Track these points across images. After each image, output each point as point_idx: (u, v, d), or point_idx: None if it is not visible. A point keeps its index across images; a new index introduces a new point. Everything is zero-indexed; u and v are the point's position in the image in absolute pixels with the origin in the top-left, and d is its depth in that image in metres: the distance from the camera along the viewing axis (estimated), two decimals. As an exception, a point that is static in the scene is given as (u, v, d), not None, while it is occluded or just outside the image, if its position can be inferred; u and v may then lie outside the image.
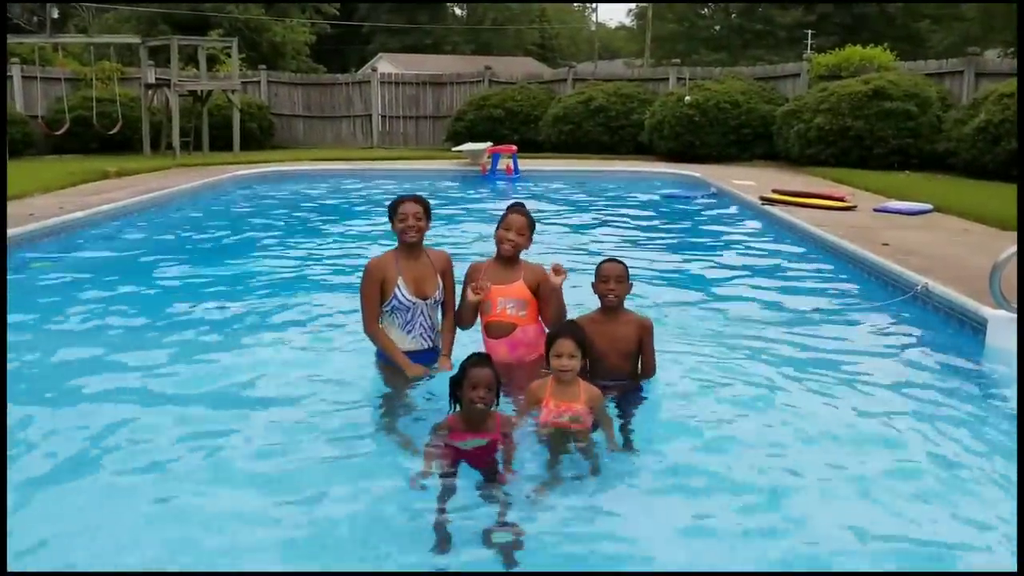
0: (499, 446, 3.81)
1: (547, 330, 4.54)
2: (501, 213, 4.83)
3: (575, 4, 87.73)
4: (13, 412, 4.29)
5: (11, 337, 5.46)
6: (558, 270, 4.60)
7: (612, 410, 4.35)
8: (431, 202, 4.96)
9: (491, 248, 4.89)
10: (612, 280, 4.51)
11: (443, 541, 3.26)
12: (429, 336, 4.86)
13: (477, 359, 3.87)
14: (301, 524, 3.42)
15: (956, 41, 33.72)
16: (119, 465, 3.93)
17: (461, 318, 4.87)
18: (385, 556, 3.23)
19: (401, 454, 3.98)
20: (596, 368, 4.52)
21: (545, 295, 4.66)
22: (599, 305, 4.61)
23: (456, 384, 3.85)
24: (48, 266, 8.47)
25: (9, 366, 4.89)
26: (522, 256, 4.83)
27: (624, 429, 4.25)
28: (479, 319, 4.84)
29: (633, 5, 66.13)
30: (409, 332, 4.79)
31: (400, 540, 3.30)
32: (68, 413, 4.51)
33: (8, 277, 7.20)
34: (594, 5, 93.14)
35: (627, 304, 4.67)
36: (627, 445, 4.11)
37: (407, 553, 3.23)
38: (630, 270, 4.63)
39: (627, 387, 4.54)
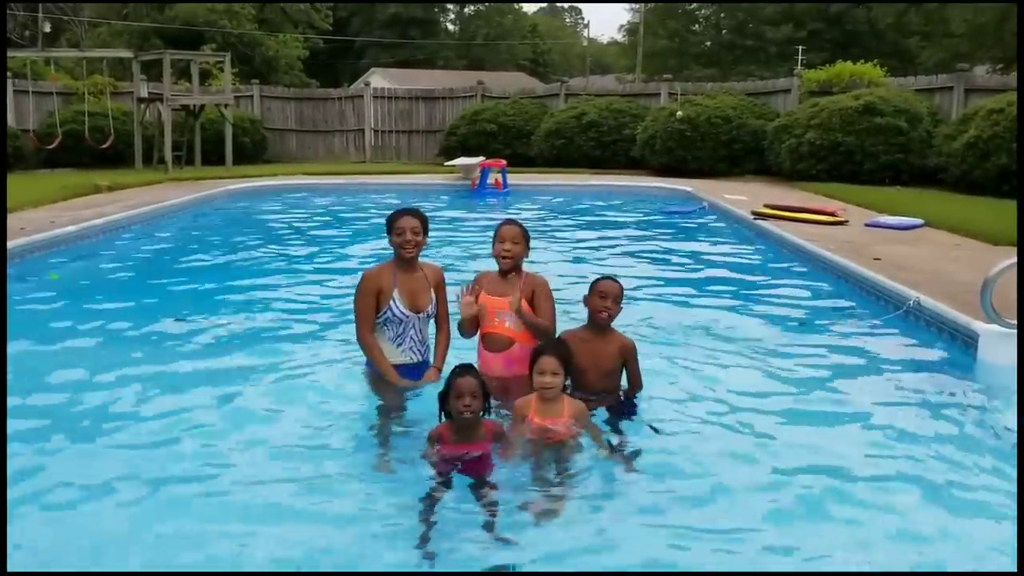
0: (490, 457, 3.83)
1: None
2: (489, 226, 4.86)
3: (567, 19, 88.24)
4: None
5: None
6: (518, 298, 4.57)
7: (600, 423, 4.36)
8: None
9: (479, 263, 4.90)
10: (610, 299, 4.50)
11: (428, 550, 3.27)
12: (419, 350, 4.84)
13: (461, 370, 3.90)
14: (288, 533, 3.43)
15: (945, 57, 33.94)
16: (111, 469, 3.96)
17: (461, 329, 4.86)
18: (373, 563, 3.24)
19: (389, 462, 4.02)
20: (577, 382, 4.52)
21: (540, 302, 4.64)
22: (587, 320, 4.61)
23: (443, 398, 3.88)
24: (55, 277, 8.48)
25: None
26: (526, 267, 4.82)
27: (616, 439, 4.27)
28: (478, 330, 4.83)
29: (625, 21, 66.45)
30: (399, 345, 4.78)
31: (389, 546, 3.32)
32: (59, 423, 4.49)
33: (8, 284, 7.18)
34: (586, 20, 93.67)
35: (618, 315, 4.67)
36: (623, 459, 4.11)
37: (394, 562, 3.25)
38: (621, 283, 4.64)
39: (610, 401, 4.54)
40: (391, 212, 4.85)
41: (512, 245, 4.69)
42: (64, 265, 9.24)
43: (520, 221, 4.87)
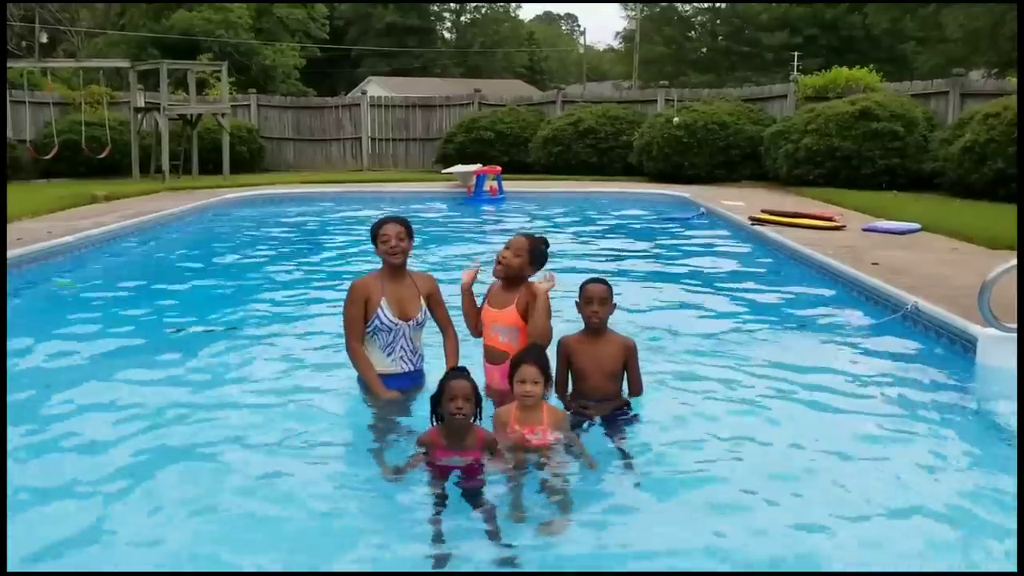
0: (482, 467, 3.82)
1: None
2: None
3: (563, 27, 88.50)
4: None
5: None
6: (548, 278, 4.61)
7: (599, 429, 4.37)
8: (413, 223, 4.96)
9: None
10: (596, 302, 4.51)
11: (427, 552, 3.26)
12: (410, 360, 4.83)
13: (454, 372, 3.91)
14: (286, 534, 3.44)
15: (940, 63, 34.03)
16: (110, 472, 3.98)
17: (466, 321, 4.88)
18: (371, 564, 3.26)
19: (383, 470, 4.02)
20: (580, 387, 4.54)
21: (529, 309, 4.60)
22: (583, 325, 4.61)
23: (436, 400, 3.88)
24: (69, 284, 8.49)
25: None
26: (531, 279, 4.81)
27: (615, 445, 4.26)
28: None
29: (621, 28, 66.68)
30: (389, 354, 4.77)
31: (387, 548, 3.34)
32: (54, 434, 4.48)
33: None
34: (582, 28, 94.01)
35: (617, 322, 4.67)
36: (624, 460, 4.12)
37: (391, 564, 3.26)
38: (618, 289, 4.63)
39: (613, 406, 4.53)
40: (373, 223, 4.85)
41: (511, 255, 4.67)
42: (61, 275, 9.21)
43: (533, 236, 4.80)
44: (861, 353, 6.07)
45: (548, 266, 4.89)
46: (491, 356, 4.75)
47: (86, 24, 39.68)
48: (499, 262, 4.71)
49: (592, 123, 20.91)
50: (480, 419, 3.96)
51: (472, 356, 4.89)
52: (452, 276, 6.48)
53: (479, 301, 4.89)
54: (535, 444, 3.98)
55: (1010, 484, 3.82)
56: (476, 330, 4.87)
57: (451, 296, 5.09)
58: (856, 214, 12.69)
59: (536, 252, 4.74)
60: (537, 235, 4.89)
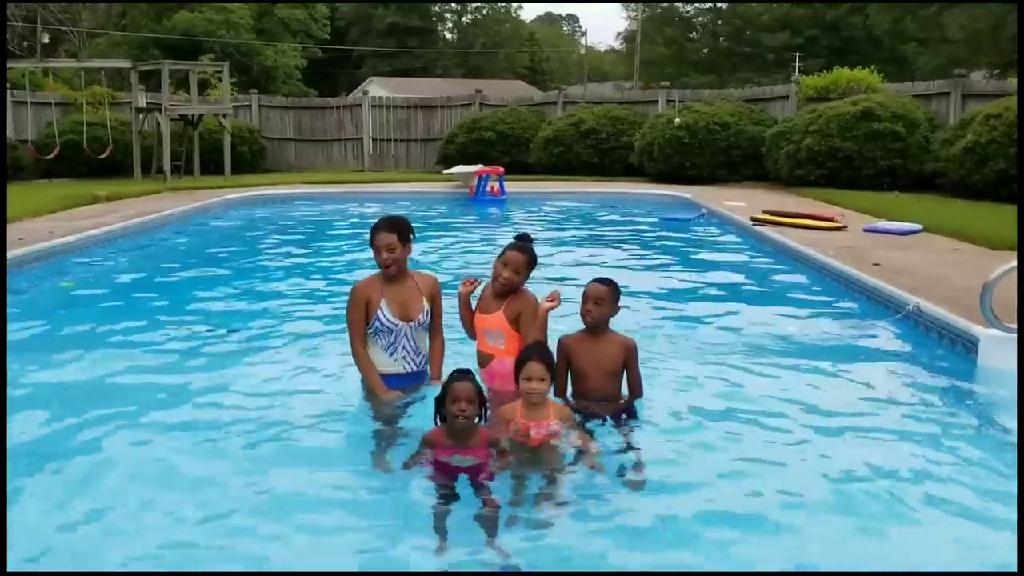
0: (489, 463, 3.83)
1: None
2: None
3: (564, 28, 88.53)
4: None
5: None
6: (552, 297, 4.60)
7: (599, 429, 4.37)
8: (415, 224, 4.94)
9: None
10: (590, 300, 4.52)
11: (430, 552, 3.27)
12: (413, 360, 4.83)
13: (458, 374, 3.91)
14: (285, 536, 3.44)
15: (942, 63, 34.04)
16: (112, 472, 4.00)
17: (464, 327, 4.92)
18: (370, 565, 3.27)
19: (384, 468, 4.04)
20: (580, 387, 4.54)
21: (525, 320, 4.62)
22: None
23: (440, 402, 3.89)
24: (69, 284, 8.52)
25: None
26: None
27: (616, 445, 4.26)
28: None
29: (622, 29, 66.68)
30: (392, 355, 4.77)
31: (387, 549, 3.34)
32: (55, 434, 4.49)
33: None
34: (583, 28, 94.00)
35: (618, 322, 4.67)
36: (625, 460, 4.11)
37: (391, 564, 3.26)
38: (620, 290, 4.63)
39: (614, 407, 4.53)
40: (371, 226, 4.80)
41: (512, 273, 4.65)
42: (62, 275, 9.23)
43: (529, 245, 4.77)
44: (862, 354, 6.07)
45: (551, 274, 4.89)
46: (480, 359, 4.81)
47: (88, 24, 39.69)
48: (499, 281, 4.68)
49: (593, 124, 20.90)
50: (485, 420, 3.96)
51: (465, 363, 4.90)
52: (453, 277, 6.49)
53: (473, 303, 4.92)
54: (537, 438, 3.97)
55: (1010, 484, 3.82)
56: (472, 335, 4.90)
57: (449, 305, 5.08)
58: (857, 215, 12.68)
59: (531, 261, 4.75)
60: (522, 240, 4.82)
